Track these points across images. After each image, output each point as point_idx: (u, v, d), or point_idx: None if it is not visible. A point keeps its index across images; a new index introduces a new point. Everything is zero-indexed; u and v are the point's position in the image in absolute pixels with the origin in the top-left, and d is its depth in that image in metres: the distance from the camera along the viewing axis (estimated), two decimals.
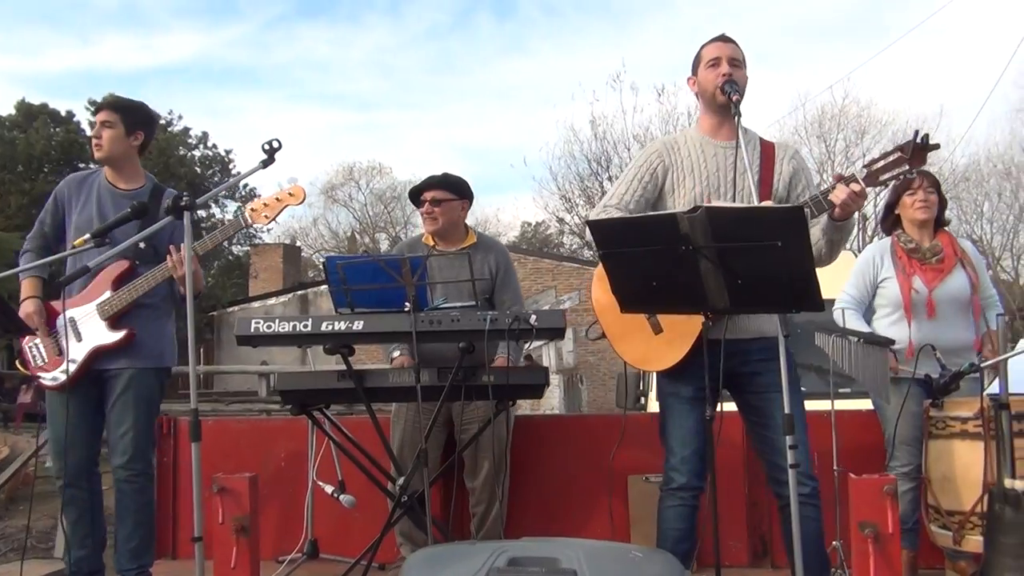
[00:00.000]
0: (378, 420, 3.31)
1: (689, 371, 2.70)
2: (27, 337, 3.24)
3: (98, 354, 3.22)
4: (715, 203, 2.68)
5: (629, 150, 23.19)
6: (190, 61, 48.67)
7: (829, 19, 42.73)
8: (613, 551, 2.26)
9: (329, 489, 3.65)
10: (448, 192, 3.68)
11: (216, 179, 21.52)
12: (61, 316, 3.24)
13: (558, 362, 13.97)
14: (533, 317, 3.03)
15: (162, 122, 21.49)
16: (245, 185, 23.00)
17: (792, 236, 2.16)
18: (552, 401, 13.01)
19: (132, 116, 3.38)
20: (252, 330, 3.06)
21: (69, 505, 3.28)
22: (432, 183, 3.71)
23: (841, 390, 3.74)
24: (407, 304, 3.00)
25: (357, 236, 34.13)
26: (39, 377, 3.26)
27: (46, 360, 3.26)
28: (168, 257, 3.10)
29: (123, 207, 3.22)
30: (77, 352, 3.21)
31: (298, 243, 29.82)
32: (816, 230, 2.77)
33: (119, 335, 3.21)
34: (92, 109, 3.47)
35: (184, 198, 2.54)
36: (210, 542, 2.65)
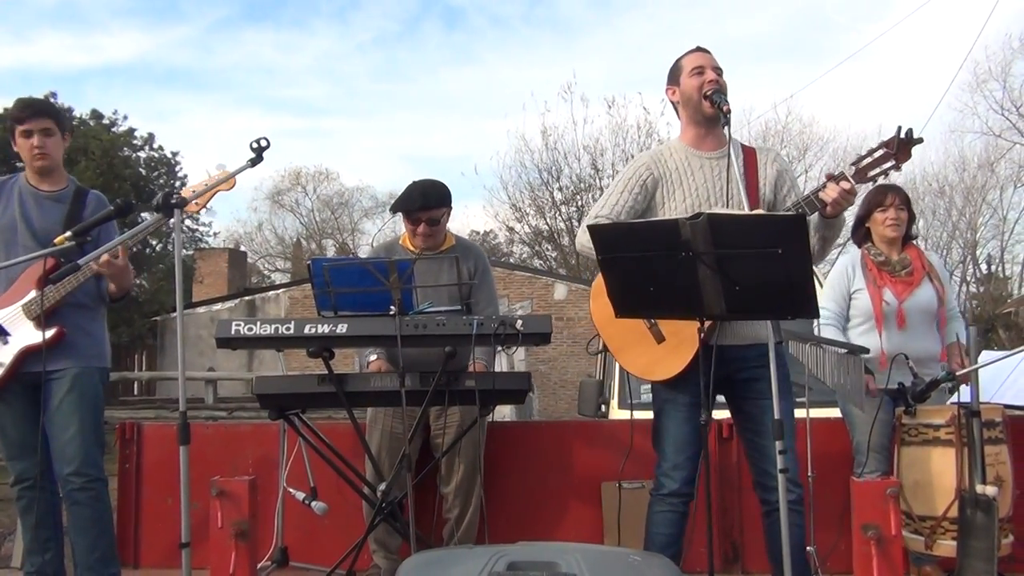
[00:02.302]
0: (359, 425, 3.27)
1: (688, 378, 2.73)
2: None
3: (27, 355, 3.08)
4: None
5: (579, 160, 23.34)
6: (132, 62, 47.51)
7: (771, 39, 43.62)
8: (611, 556, 2.26)
9: (300, 496, 3.58)
10: (443, 207, 3.60)
11: (161, 181, 21.02)
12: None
13: (510, 370, 13.95)
14: (519, 322, 3.02)
15: (106, 122, 20.99)
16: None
17: (792, 243, 2.19)
18: (503, 409, 12.99)
19: (63, 119, 3.31)
20: (233, 332, 3.00)
21: (28, 509, 3.15)
22: (430, 203, 3.55)
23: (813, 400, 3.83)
24: (392, 308, 2.98)
25: (303, 241, 33.71)
26: None
27: None
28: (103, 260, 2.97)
29: (47, 208, 3.21)
30: (5, 355, 3.07)
31: (243, 248, 29.29)
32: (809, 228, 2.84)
33: (49, 333, 3.05)
34: (13, 116, 3.24)
35: (175, 196, 2.48)
36: (200, 546, 2.59)
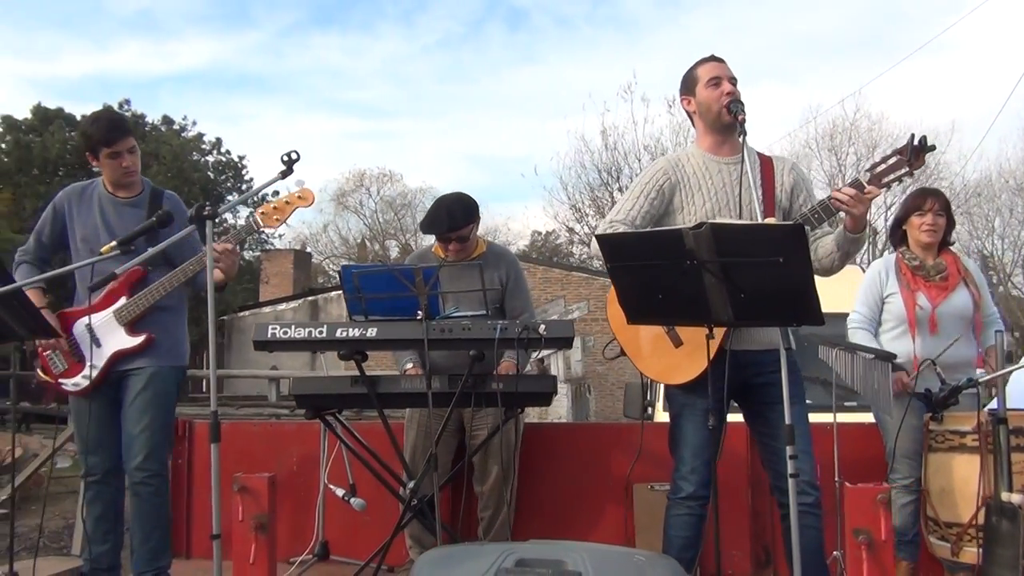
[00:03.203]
0: (389, 425, 3.39)
1: (705, 383, 2.77)
2: (42, 345, 3.31)
3: (118, 358, 3.31)
4: (720, 219, 2.76)
5: (640, 161, 23.24)
6: (204, 68, 48.94)
7: (838, 34, 42.78)
8: (617, 555, 2.33)
9: (340, 492, 3.72)
10: (469, 224, 3.67)
11: (228, 184, 21.71)
12: (78, 323, 3.31)
13: (566, 371, 14.00)
14: (542, 327, 3.10)
15: (176, 128, 21.70)
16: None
17: (792, 252, 2.23)
18: (560, 410, 13.05)
19: (134, 133, 3.49)
20: (269, 335, 3.14)
21: (94, 501, 3.38)
22: (457, 224, 3.62)
23: (847, 403, 3.82)
24: (419, 312, 3.08)
25: (367, 243, 34.26)
26: (61, 384, 3.33)
27: (67, 366, 3.33)
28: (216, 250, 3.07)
29: (125, 214, 3.38)
30: (98, 358, 3.29)
31: (308, 249, 29.94)
32: (829, 241, 2.86)
33: (138, 339, 3.29)
34: (100, 138, 3.35)
35: (207, 207, 2.63)
36: (228, 540, 2.73)
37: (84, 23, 46.39)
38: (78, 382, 3.30)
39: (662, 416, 5.43)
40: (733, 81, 2.91)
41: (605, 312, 3.07)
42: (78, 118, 22.40)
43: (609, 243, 2.47)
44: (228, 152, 22.92)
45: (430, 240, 3.87)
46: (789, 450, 2.51)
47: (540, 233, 32.03)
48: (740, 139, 2.80)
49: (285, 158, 2.76)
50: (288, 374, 15.45)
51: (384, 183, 33.69)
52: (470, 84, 49.66)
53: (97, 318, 3.31)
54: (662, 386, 5.57)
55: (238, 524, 2.71)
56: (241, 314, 19.81)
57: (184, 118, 22.36)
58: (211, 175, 21.90)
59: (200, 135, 22.13)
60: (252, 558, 2.65)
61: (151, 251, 2.96)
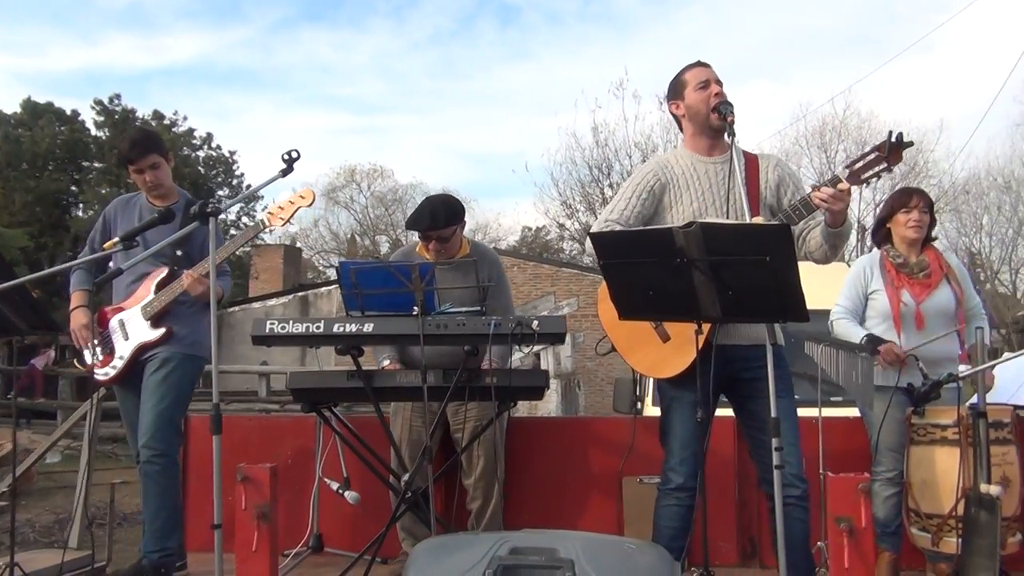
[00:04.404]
0: (385, 419, 3.45)
1: (693, 376, 2.85)
2: (77, 340, 3.60)
3: (143, 349, 3.56)
4: (708, 218, 2.84)
5: (631, 158, 23.35)
6: (194, 63, 48.87)
7: (828, 32, 43.00)
8: (608, 543, 2.41)
9: (335, 486, 3.77)
10: (452, 225, 3.72)
11: (219, 180, 21.71)
12: (114, 318, 3.61)
13: (556, 367, 14.05)
14: (535, 322, 3.17)
15: (167, 123, 21.67)
16: (248, 187, 23.21)
17: (778, 251, 2.31)
18: (549, 406, 13.11)
19: (163, 147, 3.72)
20: (267, 331, 3.20)
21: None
22: (438, 224, 3.67)
23: (832, 398, 3.90)
24: (415, 308, 3.15)
25: (357, 238, 34.27)
26: (94, 374, 3.62)
27: (100, 358, 3.61)
28: (186, 275, 3.43)
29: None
30: (125, 349, 3.58)
31: (298, 244, 29.95)
32: (817, 233, 2.96)
33: (159, 332, 3.54)
34: (124, 156, 3.68)
35: (210, 204, 2.69)
36: (230, 529, 2.79)
37: (72, 17, 46.25)
38: (107, 372, 3.59)
39: (651, 411, 5.52)
40: (720, 84, 2.98)
41: (595, 308, 3.14)
42: (67, 112, 22.40)
43: (602, 241, 2.54)
44: (219, 147, 22.93)
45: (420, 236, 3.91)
46: (774, 442, 2.59)
47: (530, 229, 32.13)
48: (729, 140, 2.87)
49: (286, 156, 2.83)
50: (278, 369, 15.49)
51: (375, 179, 33.74)
52: (461, 80, 49.75)
53: (128, 313, 3.61)
54: (651, 381, 5.68)
55: (241, 513, 2.78)
56: (231, 310, 19.79)
57: (175, 113, 22.35)
58: (202, 170, 21.89)
59: (191, 130, 22.13)
60: (255, 547, 2.71)
61: (153, 248, 3.15)
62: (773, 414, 2.59)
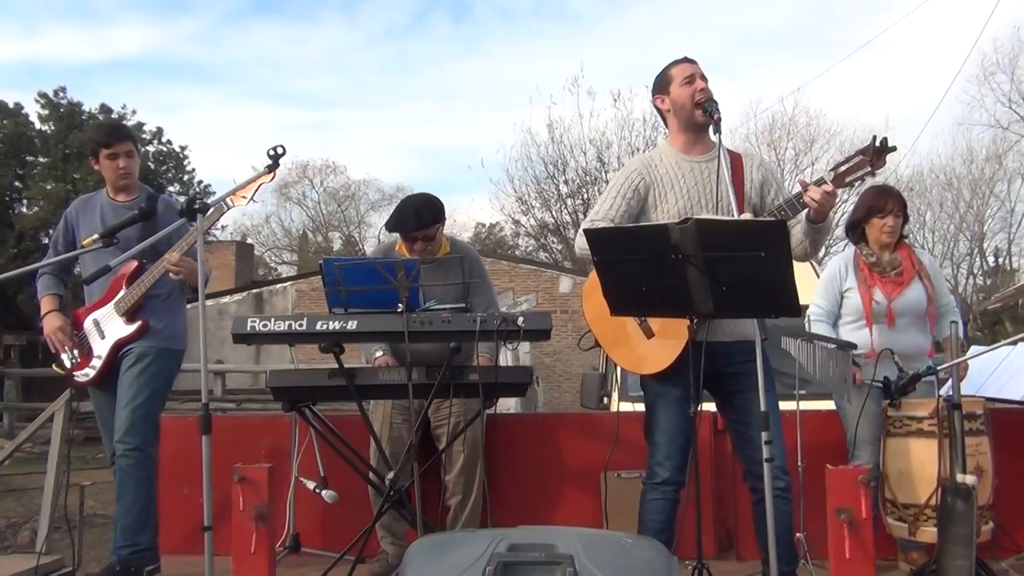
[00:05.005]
0: (368, 417, 3.42)
1: (677, 372, 2.87)
2: (54, 343, 3.54)
3: (120, 346, 3.51)
4: (701, 216, 2.86)
5: (585, 154, 23.44)
6: (139, 55, 47.73)
7: (778, 31, 43.66)
8: (605, 538, 2.42)
9: (311, 485, 3.74)
10: (436, 224, 3.69)
11: (170, 175, 21.27)
12: (87, 319, 3.55)
13: (515, 364, 14.09)
14: (520, 319, 3.17)
15: (115, 116, 21.16)
16: (200, 182, 22.80)
17: (774, 248, 2.34)
18: (508, 402, 13.13)
19: (137, 140, 3.67)
20: (248, 328, 3.15)
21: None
22: (424, 223, 3.64)
23: (803, 392, 3.97)
24: (400, 305, 3.12)
25: (310, 234, 33.91)
26: (74, 377, 3.55)
27: (78, 360, 3.56)
28: (168, 255, 3.35)
29: (123, 216, 3.44)
30: (103, 348, 3.52)
31: (250, 240, 29.48)
32: (798, 230, 2.98)
33: (134, 326, 3.49)
34: (99, 140, 3.59)
35: (197, 201, 2.65)
36: (219, 532, 2.75)
37: (11, 6, 44.76)
38: (87, 372, 3.54)
39: (618, 406, 5.56)
40: (705, 80, 3.01)
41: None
42: (10, 106, 21.74)
43: (596, 237, 2.55)
44: (169, 142, 22.46)
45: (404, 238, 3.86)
46: (764, 436, 2.62)
47: (484, 225, 32.10)
48: (717, 137, 2.90)
49: (272, 152, 2.81)
50: (232, 368, 15.26)
51: (327, 174, 33.37)
52: (415, 75, 49.42)
53: (102, 312, 3.55)
54: (617, 377, 5.72)
55: (239, 514, 2.74)
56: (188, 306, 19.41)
57: (123, 107, 21.78)
58: (152, 165, 21.41)
59: (140, 124, 21.60)
60: (253, 547, 2.67)
61: (143, 244, 3.05)
62: (763, 408, 2.62)
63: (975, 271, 27.57)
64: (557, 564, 2.18)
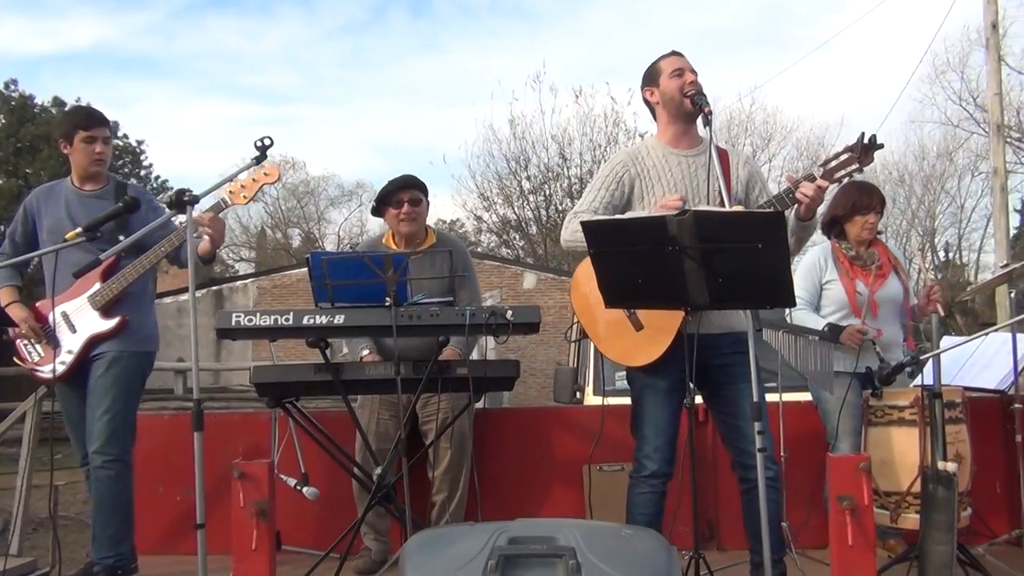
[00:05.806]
0: (355, 413, 3.38)
1: (666, 364, 2.89)
2: (13, 333, 3.37)
3: (94, 342, 3.37)
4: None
5: (547, 150, 23.47)
6: (90, 48, 46.84)
7: (734, 29, 44.17)
8: (604, 530, 2.42)
9: (292, 482, 3.69)
10: (421, 192, 3.74)
11: (127, 170, 20.85)
12: (52, 312, 3.36)
13: (499, 359, 14.07)
14: (509, 312, 3.16)
15: (68, 110, 20.67)
16: (157, 177, 22.39)
17: (772, 239, 2.36)
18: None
19: (111, 127, 3.58)
20: (233, 323, 3.09)
21: (90, 490, 3.42)
22: (409, 183, 3.73)
23: (770, 384, 4.02)
24: (388, 299, 3.09)
25: (268, 231, 33.53)
26: (37, 371, 3.39)
27: (42, 355, 3.40)
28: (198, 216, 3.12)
29: (90, 206, 3.42)
30: (74, 343, 3.36)
31: None
32: None
33: (113, 322, 3.36)
34: (77, 123, 3.47)
35: (188, 193, 2.60)
36: (217, 527, 2.70)
37: None
38: (56, 368, 3.36)
39: (591, 400, 5.58)
40: (695, 73, 3.03)
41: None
42: None
43: (591, 229, 2.55)
44: (125, 136, 22.01)
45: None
46: (756, 426, 2.65)
47: (445, 221, 32.01)
48: (706, 131, 2.92)
49: (259, 144, 2.79)
50: (189, 366, 15.04)
51: (286, 170, 32.93)
52: (373, 71, 49.19)
53: (72, 305, 3.38)
54: (591, 371, 5.73)
55: (239, 510, 2.69)
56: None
57: (77, 100, 21.27)
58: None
59: None
60: (254, 544, 2.63)
61: (132, 238, 2.99)
62: (755, 399, 2.65)
63: (927, 265, 28.15)
64: (559, 556, 2.17)
